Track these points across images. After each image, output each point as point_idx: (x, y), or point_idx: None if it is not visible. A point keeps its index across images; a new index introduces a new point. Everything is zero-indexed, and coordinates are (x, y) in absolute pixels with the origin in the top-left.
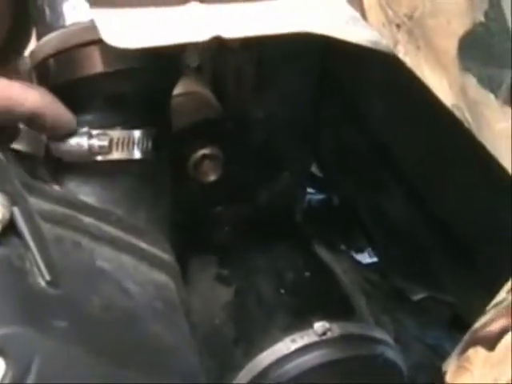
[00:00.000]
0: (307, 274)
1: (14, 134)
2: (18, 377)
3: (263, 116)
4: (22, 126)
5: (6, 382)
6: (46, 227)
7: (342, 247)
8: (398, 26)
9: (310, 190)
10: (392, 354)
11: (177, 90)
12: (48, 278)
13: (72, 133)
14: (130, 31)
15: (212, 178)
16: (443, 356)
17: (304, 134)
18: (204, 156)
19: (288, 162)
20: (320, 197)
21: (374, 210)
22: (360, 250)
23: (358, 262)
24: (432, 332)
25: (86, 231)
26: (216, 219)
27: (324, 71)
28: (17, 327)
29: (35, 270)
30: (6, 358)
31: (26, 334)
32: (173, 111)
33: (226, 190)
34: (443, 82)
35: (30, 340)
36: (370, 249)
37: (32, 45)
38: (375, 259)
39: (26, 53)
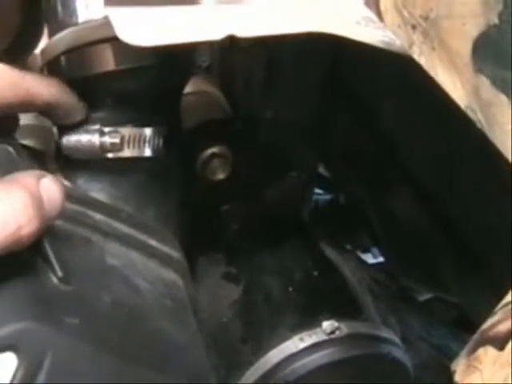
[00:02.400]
0: (315, 272)
1: (13, 127)
2: (30, 372)
3: (272, 115)
4: (30, 122)
5: (18, 377)
6: (58, 224)
7: (348, 247)
8: (414, 26)
9: (316, 190)
10: (399, 353)
11: (187, 89)
12: (60, 274)
13: (83, 127)
14: (144, 29)
15: (220, 176)
16: (449, 356)
17: (312, 133)
18: (213, 155)
19: (296, 162)
20: (327, 197)
21: (382, 210)
22: (365, 250)
23: (364, 262)
24: (438, 332)
25: (96, 228)
26: (224, 217)
27: (333, 70)
28: (29, 323)
29: (47, 266)
30: (18, 353)
31: (38, 329)
32: (182, 110)
33: (234, 189)
34: (457, 83)
35: (42, 336)
36: (374, 249)
37: (44, 42)
38: (380, 259)
39: (38, 50)
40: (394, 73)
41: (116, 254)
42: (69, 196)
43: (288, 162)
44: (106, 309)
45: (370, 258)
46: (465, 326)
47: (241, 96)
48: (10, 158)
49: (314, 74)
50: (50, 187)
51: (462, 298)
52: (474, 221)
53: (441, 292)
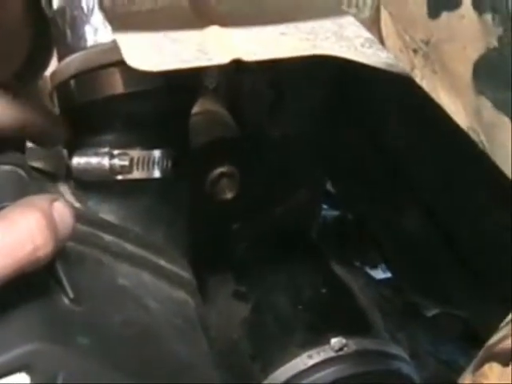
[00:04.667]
0: (324, 290)
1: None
2: None
3: (279, 134)
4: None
5: None
6: (69, 245)
7: (357, 263)
8: (415, 50)
9: (324, 206)
10: (407, 369)
11: (194, 109)
12: (71, 295)
13: (93, 149)
14: (152, 54)
15: (229, 195)
16: (456, 370)
17: (319, 151)
18: (221, 174)
19: (303, 179)
20: (334, 213)
21: (389, 227)
22: (374, 266)
23: (372, 278)
24: (445, 347)
25: (106, 249)
26: (233, 236)
27: (340, 87)
28: (42, 343)
29: (59, 287)
30: (31, 373)
31: (50, 350)
32: (190, 130)
33: (242, 208)
34: (459, 105)
35: (54, 356)
36: (382, 264)
37: (53, 65)
38: (388, 274)
39: (47, 73)
40: (400, 92)
41: (126, 275)
42: (79, 218)
43: (296, 179)
44: (117, 329)
45: (378, 274)
46: (472, 341)
47: (248, 115)
48: (21, 181)
49: (321, 92)
50: (62, 210)
51: (469, 314)
52: (480, 237)
53: (448, 307)
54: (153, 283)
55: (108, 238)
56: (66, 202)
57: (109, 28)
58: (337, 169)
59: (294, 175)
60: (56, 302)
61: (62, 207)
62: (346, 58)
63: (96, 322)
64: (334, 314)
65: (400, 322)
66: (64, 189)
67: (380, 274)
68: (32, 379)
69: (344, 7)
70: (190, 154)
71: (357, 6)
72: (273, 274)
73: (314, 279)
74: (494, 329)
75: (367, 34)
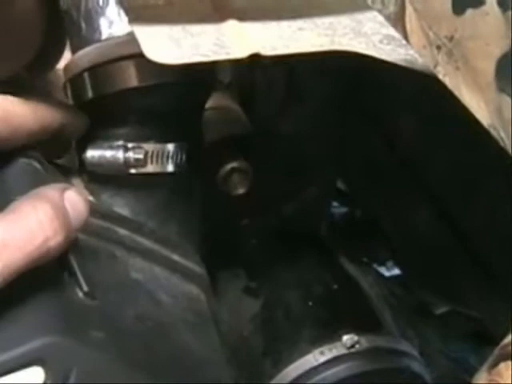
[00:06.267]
0: (335, 286)
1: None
2: None
3: (291, 131)
4: None
5: None
6: (83, 238)
7: (365, 260)
8: (439, 47)
9: (334, 203)
10: (418, 367)
11: (208, 104)
12: (85, 289)
13: (107, 143)
14: (170, 47)
15: (240, 191)
16: (465, 369)
17: (331, 148)
18: (233, 169)
19: (314, 176)
20: (343, 210)
21: (400, 224)
22: (382, 264)
23: (382, 275)
24: (454, 345)
25: (120, 243)
26: (244, 232)
27: (353, 85)
28: (56, 337)
29: (73, 281)
30: (45, 367)
31: (65, 344)
32: (203, 125)
33: (253, 203)
34: (480, 102)
35: (68, 350)
36: (388, 262)
37: (66, 58)
38: (394, 272)
39: (60, 66)
40: (414, 89)
41: (140, 269)
42: (93, 211)
43: (307, 176)
44: (130, 323)
45: (383, 271)
46: (482, 339)
47: (260, 111)
48: (36, 173)
49: (335, 89)
50: (74, 199)
51: (480, 312)
52: (494, 235)
53: (459, 305)
54: (165, 277)
55: (122, 231)
56: (80, 190)
57: (124, 21)
58: (348, 166)
59: (305, 172)
60: (70, 295)
61: (73, 196)
62: (363, 54)
63: (110, 316)
64: (344, 310)
65: (410, 319)
66: (77, 182)
67: (385, 271)
68: (46, 373)
69: (369, 2)
70: (202, 149)
71: (382, 1)
72: (283, 270)
73: (325, 276)
74: (507, 327)
75: (387, 31)
